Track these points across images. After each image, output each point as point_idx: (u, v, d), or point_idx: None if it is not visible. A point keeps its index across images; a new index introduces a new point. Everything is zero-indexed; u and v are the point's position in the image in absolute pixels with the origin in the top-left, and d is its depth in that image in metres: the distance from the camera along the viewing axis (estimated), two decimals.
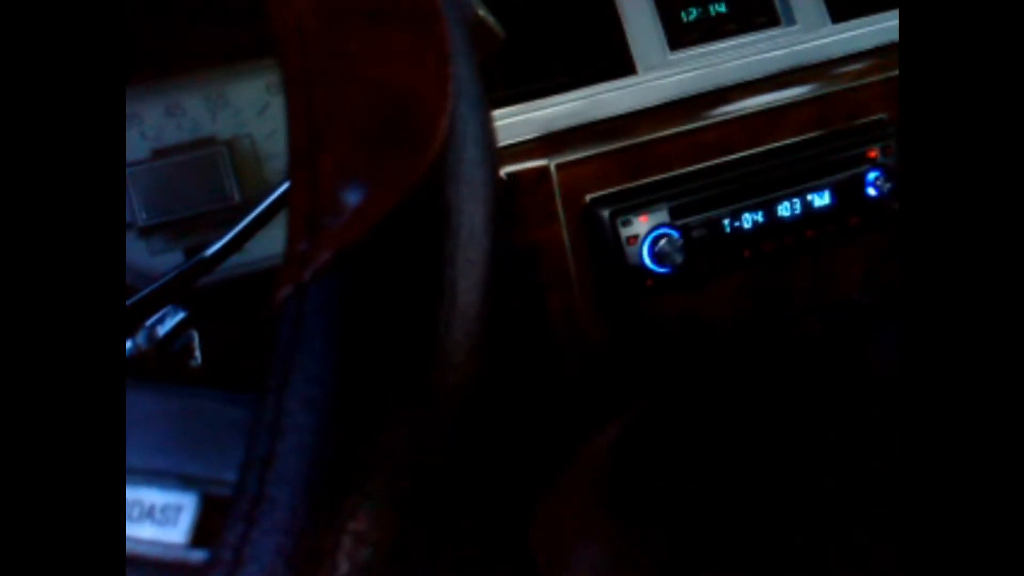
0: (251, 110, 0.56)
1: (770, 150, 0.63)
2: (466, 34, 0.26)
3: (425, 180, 0.22)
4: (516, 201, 0.57)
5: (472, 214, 0.23)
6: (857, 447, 0.69)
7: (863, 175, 0.62)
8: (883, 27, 0.66)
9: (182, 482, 0.22)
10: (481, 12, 0.41)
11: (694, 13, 0.64)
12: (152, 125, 0.55)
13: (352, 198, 0.22)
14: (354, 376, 0.20)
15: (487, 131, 0.26)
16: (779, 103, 0.63)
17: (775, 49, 0.64)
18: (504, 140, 0.59)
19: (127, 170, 0.52)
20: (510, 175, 0.57)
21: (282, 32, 0.23)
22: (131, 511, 0.21)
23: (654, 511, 0.67)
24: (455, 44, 0.24)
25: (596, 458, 0.68)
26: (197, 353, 0.40)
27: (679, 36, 0.63)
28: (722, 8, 0.64)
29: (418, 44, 0.24)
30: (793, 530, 0.64)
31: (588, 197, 0.60)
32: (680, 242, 0.59)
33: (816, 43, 0.64)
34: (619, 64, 0.62)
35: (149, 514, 0.21)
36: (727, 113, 0.62)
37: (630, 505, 0.67)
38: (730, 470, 0.70)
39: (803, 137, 0.64)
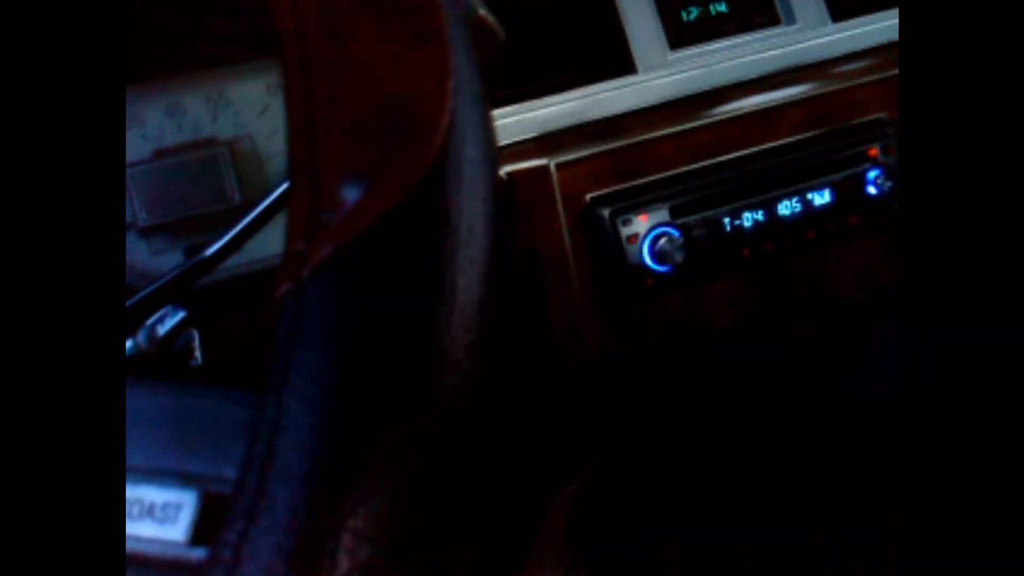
0: (252, 111, 0.56)
1: (770, 149, 0.63)
2: (466, 32, 0.26)
3: (425, 178, 0.22)
4: (515, 201, 0.57)
5: (472, 212, 0.23)
6: (850, 469, 0.69)
7: (863, 174, 0.62)
8: (883, 26, 0.65)
9: (182, 480, 0.22)
10: (482, 12, 0.41)
11: (694, 12, 0.64)
12: (153, 125, 0.55)
13: (351, 195, 0.22)
14: (353, 373, 0.20)
15: (487, 130, 0.26)
16: (779, 102, 0.63)
17: (775, 48, 0.64)
18: (504, 139, 0.59)
19: (128, 170, 0.52)
20: (508, 174, 0.57)
21: (283, 30, 0.23)
22: (131, 509, 0.21)
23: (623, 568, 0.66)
24: (455, 42, 0.24)
25: (563, 508, 0.67)
26: (197, 353, 0.40)
27: (679, 35, 0.63)
28: (722, 7, 0.64)
29: (418, 42, 0.24)
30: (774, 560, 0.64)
31: (588, 196, 0.60)
32: (680, 241, 0.59)
33: (816, 42, 0.64)
34: (619, 63, 0.62)
35: (149, 512, 0.21)
36: (727, 112, 0.62)
37: (598, 558, 0.66)
38: (704, 510, 0.70)
39: (803, 136, 0.64)
